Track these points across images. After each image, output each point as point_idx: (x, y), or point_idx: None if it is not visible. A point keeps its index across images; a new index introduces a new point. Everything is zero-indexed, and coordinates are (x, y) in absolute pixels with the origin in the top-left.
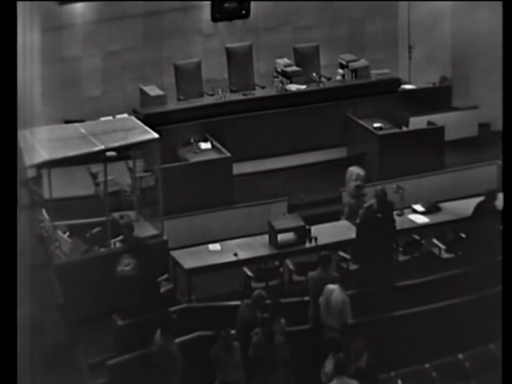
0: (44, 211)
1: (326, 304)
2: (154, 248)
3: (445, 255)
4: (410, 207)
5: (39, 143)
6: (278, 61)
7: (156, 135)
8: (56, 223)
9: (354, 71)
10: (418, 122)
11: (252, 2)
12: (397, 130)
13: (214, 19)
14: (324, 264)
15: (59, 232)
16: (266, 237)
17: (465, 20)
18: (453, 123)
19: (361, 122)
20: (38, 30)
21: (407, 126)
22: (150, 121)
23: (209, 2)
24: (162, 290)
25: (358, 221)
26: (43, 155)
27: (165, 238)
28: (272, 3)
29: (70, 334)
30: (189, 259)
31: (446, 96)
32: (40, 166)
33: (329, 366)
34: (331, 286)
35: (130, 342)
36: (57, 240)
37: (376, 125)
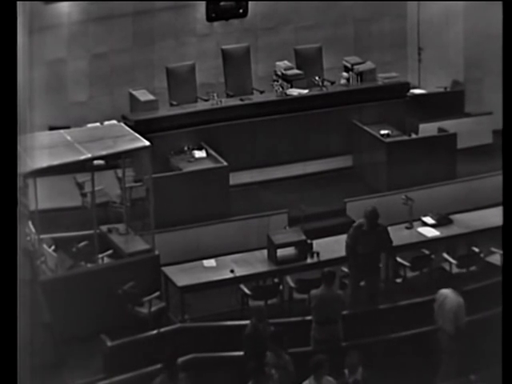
0: (30, 223)
1: (440, 309)
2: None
3: (456, 270)
4: (420, 219)
5: (25, 151)
6: (278, 63)
7: (147, 143)
8: (42, 236)
9: (360, 74)
10: (428, 129)
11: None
12: (405, 138)
13: (209, 19)
14: (327, 281)
15: (45, 246)
16: (265, 252)
17: (478, 20)
18: (465, 130)
19: (367, 128)
20: (23, 31)
21: (417, 132)
22: (141, 127)
23: (203, 1)
24: (153, 308)
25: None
26: (29, 164)
27: (156, 252)
28: (271, 1)
29: (56, 355)
30: (182, 276)
31: (458, 101)
32: (26, 176)
33: None
34: (444, 291)
35: (121, 363)
36: (42, 254)
37: (383, 132)
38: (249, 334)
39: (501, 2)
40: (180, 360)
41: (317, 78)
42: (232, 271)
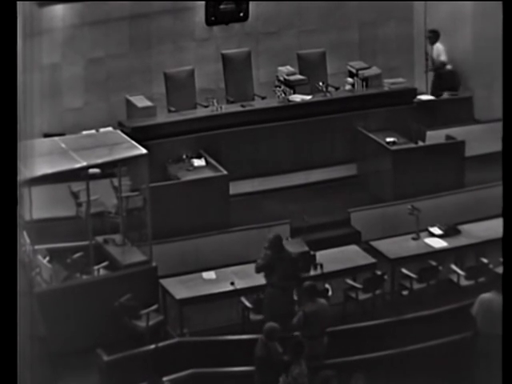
0: (25, 234)
1: (487, 313)
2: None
3: (464, 282)
4: (427, 230)
5: (21, 159)
6: (280, 68)
7: (144, 151)
8: (36, 247)
9: (365, 80)
10: (435, 136)
11: (251, 3)
12: (412, 145)
13: (209, 22)
14: (311, 295)
15: (39, 257)
16: None
17: (487, 23)
18: (474, 137)
19: (372, 136)
20: (18, 35)
21: (424, 140)
22: (138, 135)
23: (202, 4)
24: (151, 322)
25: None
26: (24, 172)
27: (154, 264)
28: (273, 4)
29: (51, 369)
30: (180, 288)
31: (466, 107)
32: (21, 185)
33: None
34: (487, 295)
35: (117, 378)
36: (37, 265)
37: (389, 139)
38: (262, 357)
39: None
40: (179, 375)
41: (320, 83)
42: (232, 283)
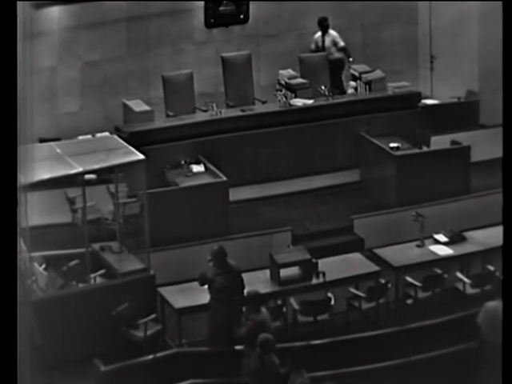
0: (22, 241)
1: (492, 321)
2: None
3: (470, 291)
4: (431, 237)
5: (18, 165)
6: (282, 72)
7: (141, 156)
8: (32, 254)
9: (368, 84)
10: (440, 142)
11: (251, 5)
12: (416, 151)
13: (208, 25)
14: (255, 306)
15: (35, 264)
16: (267, 272)
17: (494, 26)
18: (480, 142)
19: (375, 141)
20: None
21: (428, 145)
22: (135, 140)
23: (202, 5)
24: (149, 331)
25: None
26: (20, 178)
27: (152, 272)
28: (274, 6)
29: (47, 380)
30: (179, 297)
31: (472, 112)
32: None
33: None
34: (492, 303)
35: None
36: (33, 273)
37: (393, 144)
38: (257, 370)
39: None
40: None
41: (322, 87)
42: None
